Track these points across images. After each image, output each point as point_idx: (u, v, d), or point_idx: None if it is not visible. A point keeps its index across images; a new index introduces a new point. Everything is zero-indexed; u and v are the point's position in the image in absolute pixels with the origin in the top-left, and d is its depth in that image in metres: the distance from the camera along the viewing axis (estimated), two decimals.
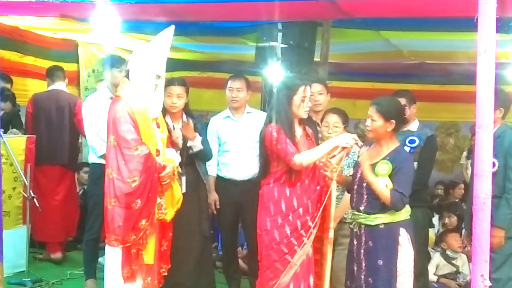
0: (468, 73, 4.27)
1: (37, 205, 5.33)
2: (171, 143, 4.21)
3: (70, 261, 5.93)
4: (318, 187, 3.71)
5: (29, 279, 5.20)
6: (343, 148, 3.61)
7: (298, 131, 3.78)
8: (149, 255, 3.75)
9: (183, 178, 4.38)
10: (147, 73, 3.78)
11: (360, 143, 3.77)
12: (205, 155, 4.59)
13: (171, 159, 3.94)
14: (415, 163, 4.28)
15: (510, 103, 4.30)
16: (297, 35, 5.29)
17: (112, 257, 3.74)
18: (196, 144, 4.46)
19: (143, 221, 3.66)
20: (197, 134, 4.48)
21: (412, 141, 4.38)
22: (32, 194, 5.25)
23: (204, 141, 4.57)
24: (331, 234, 3.74)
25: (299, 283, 3.60)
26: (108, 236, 3.70)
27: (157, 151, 3.82)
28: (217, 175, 4.88)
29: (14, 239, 5.25)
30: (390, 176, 3.50)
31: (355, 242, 3.68)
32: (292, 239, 3.60)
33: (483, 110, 2.67)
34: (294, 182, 3.66)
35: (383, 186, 3.47)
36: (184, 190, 4.32)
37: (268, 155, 3.73)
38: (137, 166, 3.61)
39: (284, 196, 3.66)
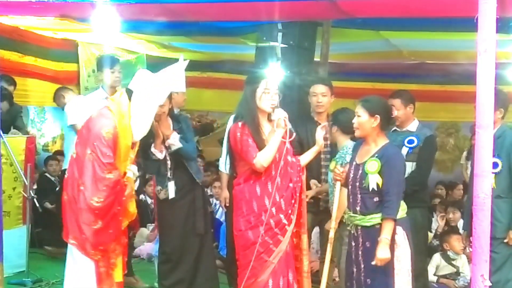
0: (468, 73, 4.27)
1: (37, 205, 5.33)
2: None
3: None
4: (291, 184, 3.72)
5: (29, 279, 5.19)
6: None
7: (267, 127, 3.78)
8: (118, 273, 3.80)
9: (171, 184, 4.38)
10: (151, 108, 3.80)
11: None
12: (185, 153, 4.47)
13: (130, 178, 3.89)
14: (414, 164, 4.29)
15: (509, 103, 4.30)
16: (297, 35, 5.29)
17: (78, 267, 3.82)
18: (173, 142, 4.37)
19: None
20: (174, 131, 4.40)
21: (410, 141, 4.37)
22: (32, 194, 5.25)
23: (189, 140, 4.54)
24: (331, 234, 3.76)
25: (278, 279, 3.64)
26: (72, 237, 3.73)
27: (125, 172, 3.81)
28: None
29: (14, 239, 5.24)
30: (379, 172, 3.51)
31: (353, 244, 3.68)
32: (266, 238, 3.62)
33: (483, 110, 2.67)
34: (264, 181, 3.68)
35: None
36: (172, 195, 4.35)
37: (235, 154, 3.78)
38: (105, 189, 3.61)
39: (255, 196, 3.68)
